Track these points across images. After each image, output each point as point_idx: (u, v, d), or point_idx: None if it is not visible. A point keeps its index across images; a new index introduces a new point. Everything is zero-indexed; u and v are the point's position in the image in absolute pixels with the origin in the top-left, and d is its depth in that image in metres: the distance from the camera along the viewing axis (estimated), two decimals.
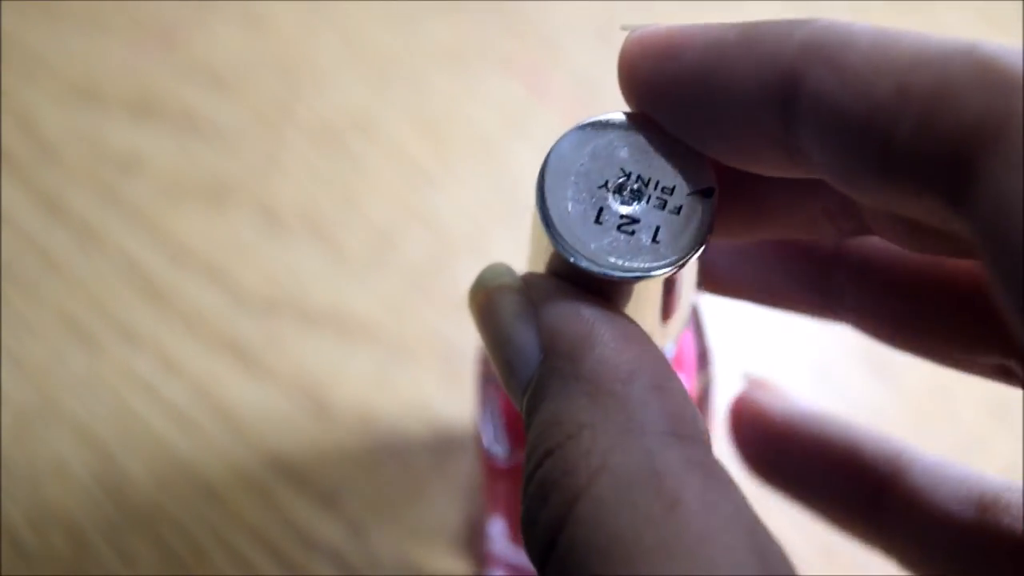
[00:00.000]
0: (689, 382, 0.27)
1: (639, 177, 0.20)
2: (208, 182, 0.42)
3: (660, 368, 0.18)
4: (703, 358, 0.27)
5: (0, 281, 0.40)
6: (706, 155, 0.20)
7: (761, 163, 0.19)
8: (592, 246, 0.19)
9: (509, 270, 0.21)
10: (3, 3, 0.45)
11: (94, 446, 0.37)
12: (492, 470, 0.27)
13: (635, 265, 0.19)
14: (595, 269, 0.19)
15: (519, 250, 0.41)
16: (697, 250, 0.19)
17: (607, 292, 0.20)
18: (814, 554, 0.36)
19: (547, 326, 0.19)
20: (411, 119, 0.43)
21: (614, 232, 0.19)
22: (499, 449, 0.27)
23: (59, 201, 0.41)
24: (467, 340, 0.39)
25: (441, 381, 0.38)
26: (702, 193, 0.20)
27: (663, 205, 0.20)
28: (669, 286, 0.20)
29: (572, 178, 0.20)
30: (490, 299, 0.20)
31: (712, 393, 0.27)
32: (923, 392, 0.38)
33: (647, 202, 0.20)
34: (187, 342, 0.39)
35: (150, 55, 0.44)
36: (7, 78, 0.44)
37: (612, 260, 0.19)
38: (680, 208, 0.20)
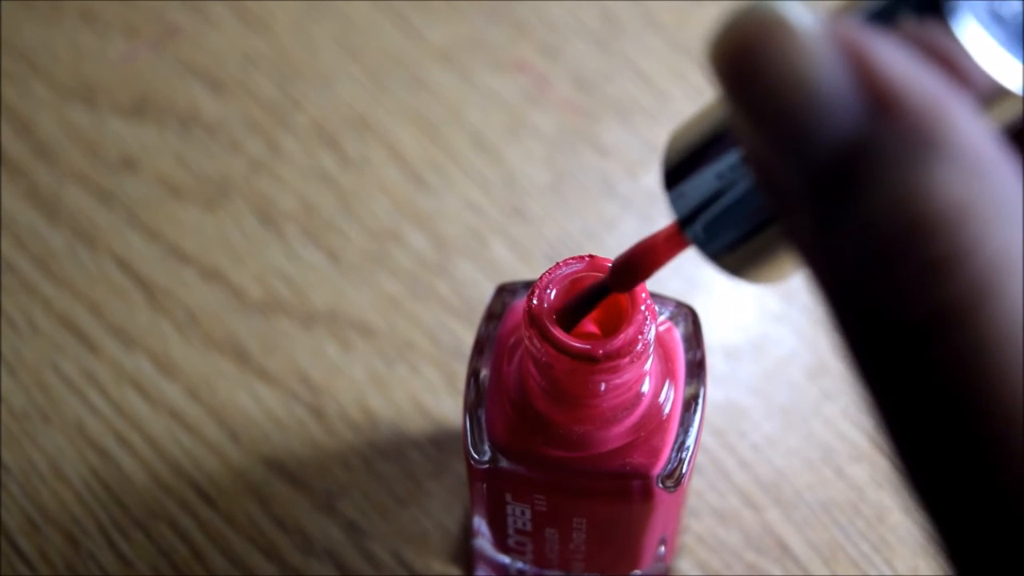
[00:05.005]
0: (678, 390, 0.27)
1: None
2: (205, 182, 0.42)
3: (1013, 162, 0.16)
4: (697, 367, 0.27)
5: None
6: None
7: None
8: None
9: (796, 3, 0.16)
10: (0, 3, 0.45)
11: (91, 446, 0.37)
12: (473, 471, 0.27)
13: None
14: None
15: (519, 252, 0.41)
16: None
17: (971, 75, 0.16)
18: (814, 554, 0.36)
19: (883, 75, 0.15)
20: (409, 119, 0.43)
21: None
22: (480, 449, 0.27)
23: (55, 201, 0.41)
24: (465, 341, 0.38)
25: (439, 382, 0.38)
26: None
27: None
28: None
29: None
30: (771, 28, 0.16)
31: (702, 402, 0.27)
32: None
33: None
34: (184, 342, 0.39)
35: (147, 54, 0.44)
36: (3, 78, 0.44)
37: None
38: None
